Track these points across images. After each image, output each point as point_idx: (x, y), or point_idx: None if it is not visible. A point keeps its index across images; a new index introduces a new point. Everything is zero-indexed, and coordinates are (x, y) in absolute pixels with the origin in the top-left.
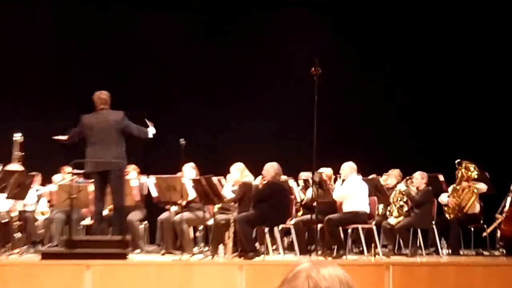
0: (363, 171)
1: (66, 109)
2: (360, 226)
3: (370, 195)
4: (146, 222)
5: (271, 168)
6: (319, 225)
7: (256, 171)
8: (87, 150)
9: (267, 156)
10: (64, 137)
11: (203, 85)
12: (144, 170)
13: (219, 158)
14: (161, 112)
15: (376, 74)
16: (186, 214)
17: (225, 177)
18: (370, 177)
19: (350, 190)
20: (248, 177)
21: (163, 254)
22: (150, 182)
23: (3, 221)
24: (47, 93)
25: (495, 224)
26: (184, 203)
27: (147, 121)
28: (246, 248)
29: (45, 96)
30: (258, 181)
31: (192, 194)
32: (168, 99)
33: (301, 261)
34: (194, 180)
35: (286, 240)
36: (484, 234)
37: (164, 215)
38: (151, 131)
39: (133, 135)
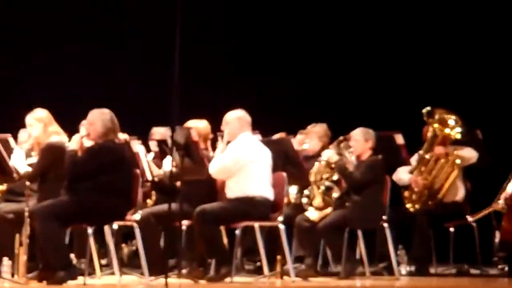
0: (264, 126)
1: None
2: (256, 224)
3: (275, 169)
4: None
5: (99, 119)
6: (186, 223)
7: (72, 125)
8: None
9: (92, 100)
10: None
11: None
12: None
13: (3, 100)
14: None
15: None
16: None
17: (15, 136)
18: (276, 136)
19: (239, 159)
20: (58, 135)
21: None
22: None
23: None
24: None
25: (485, 211)
26: None
27: None
28: (52, 263)
29: None
30: (75, 143)
31: None
32: None
33: None
34: None
35: (126, 248)
36: (471, 219)
37: None
38: None
39: None
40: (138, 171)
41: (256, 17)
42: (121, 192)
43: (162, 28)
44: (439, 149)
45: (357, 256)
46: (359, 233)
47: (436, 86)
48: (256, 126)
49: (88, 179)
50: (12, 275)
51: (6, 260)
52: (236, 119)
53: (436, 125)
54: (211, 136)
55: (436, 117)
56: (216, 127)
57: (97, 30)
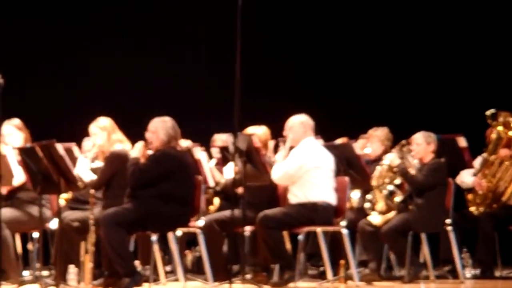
0: (325, 131)
1: None
2: (319, 229)
3: (337, 174)
4: None
5: (161, 127)
6: (248, 228)
7: (135, 132)
8: None
9: (156, 108)
10: None
11: None
12: None
13: (68, 109)
14: None
15: None
16: (9, 212)
17: (79, 145)
18: (338, 141)
19: (303, 165)
20: (121, 143)
21: None
22: None
23: None
24: None
25: None
26: (4, 191)
27: None
28: (117, 270)
29: None
30: (138, 151)
31: (18, 176)
32: None
33: None
34: (23, 150)
35: (190, 255)
36: None
37: None
38: None
39: None
40: (200, 177)
41: (317, 22)
42: (184, 199)
43: (224, 35)
44: (504, 152)
45: (421, 260)
46: (423, 236)
47: (499, 88)
48: (319, 131)
49: (151, 186)
50: (78, 283)
51: (72, 268)
52: (299, 124)
53: (500, 128)
54: (272, 142)
55: (500, 119)
56: (276, 133)
57: (158, 37)
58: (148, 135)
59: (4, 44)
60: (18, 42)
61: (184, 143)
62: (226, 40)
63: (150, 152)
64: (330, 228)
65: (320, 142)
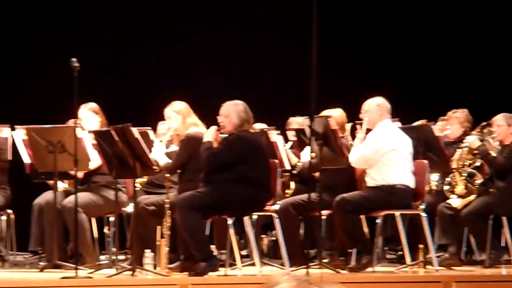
0: (402, 114)
1: None
2: (398, 213)
3: (416, 157)
4: (10, 211)
5: (234, 111)
6: (325, 212)
7: (209, 116)
8: None
9: (229, 91)
10: None
11: None
12: (6, 117)
13: (143, 94)
14: None
15: None
16: (85, 196)
17: (154, 129)
18: (416, 123)
19: (380, 148)
20: (196, 126)
21: (43, 269)
22: (17, 137)
23: None
24: None
25: None
26: (80, 175)
27: None
28: (193, 254)
29: None
30: (211, 134)
31: (95, 160)
32: None
33: (281, 278)
34: (99, 134)
35: (266, 239)
36: None
37: (44, 198)
38: None
39: None
40: (276, 161)
41: (394, 3)
42: (259, 183)
43: (300, 17)
44: None
45: (502, 244)
46: (504, 220)
47: None
48: (396, 113)
49: (226, 170)
50: (154, 267)
51: (148, 252)
52: (375, 106)
53: None
54: (349, 125)
55: None
56: (354, 116)
57: (234, 20)
58: (220, 119)
59: (77, 29)
60: (93, 27)
61: (259, 126)
62: (302, 22)
63: (223, 136)
64: (408, 212)
65: (397, 125)
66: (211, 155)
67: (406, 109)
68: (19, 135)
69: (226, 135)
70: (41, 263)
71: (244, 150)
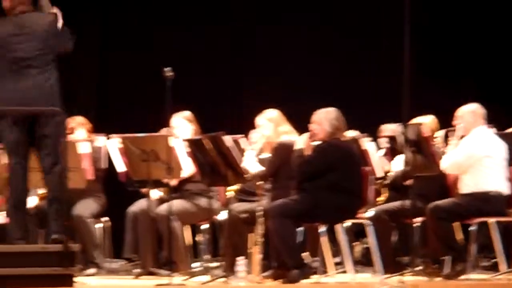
0: (498, 120)
1: None
2: (492, 220)
3: (511, 163)
4: (106, 218)
5: (325, 119)
6: (418, 219)
7: (300, 124)
8: None
9: (321, 99)
10: None
11: None
12: (101, 126)
13: (235, 103)
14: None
15: None
16: (178, 204)
17: (246, 136)
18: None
19: (473, 154)
20: (288, 134)
21: (137, 276)
22: (112, 146)
23: None
24: None
25: None
26: (174, 183)
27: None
28: (286, 262)
29: None
30: (303, 142)
31: (188, 168)
32: None
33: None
34: (192, 142)
35: (358, 246)
36: None
37: (138, 206)
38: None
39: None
40: (368, 168)
41: (486, 10)
42: (351, 190)
43: (392, 23)
44: None
45: None
46: None
47: None
48: (491, 119)
49: (318, 178)
50: (247, 274)
51: (241, 260)
52: (469, 113)
53: None
54: (441, 132)
55: None
56: (446, 122)
57: (323, 27)
58: (312, 126)
59: (170, 38)
60: (186, 36)
61: (351, 133)
62: (394, 28)
63: (315, 143)
64: (503, 219)
65: (492, 131)
66: (303, 163)
67: (500, 115)
68: (114, 144)
69: (318, 143)
70: (136, 270)
71: (337, 158)
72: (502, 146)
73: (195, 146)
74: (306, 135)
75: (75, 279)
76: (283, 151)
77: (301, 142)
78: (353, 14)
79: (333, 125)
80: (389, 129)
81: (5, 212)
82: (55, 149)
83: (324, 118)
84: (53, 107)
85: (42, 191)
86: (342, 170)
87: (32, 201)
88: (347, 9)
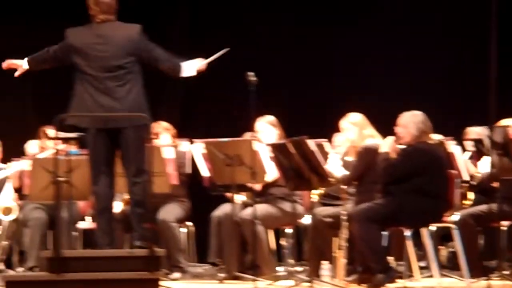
0: None
1: (38, 19)
2: None
3: None
4: (190, 223)
5: (412, 122)
6: (505, 223)
7: (384, 127)
8: (78, 92)
9: (404, 102)
10: (21, 63)
11: None
12: (184, 131)
13: (318, 107)
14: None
15: None
16: (263, 208)
17: (330, 140)
18: None
19: None
20: (372, 138)
21: (222, 280)
22: (196, 151)
23: None
24: None
25: None
26: (258, 187)
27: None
28: (371, 266)
29: None
30: (388, 145)
31: (272, 172)
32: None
33: None
34: (275, 146)
35: (444, 250)
36: None
37: (222, 210)
38: (194, 66)
39: (159, 66)
40: (454, 171)
41: None
42: (437, 194)
43: (478, 25)
44: None
45: None
46: None
47: None
48: None
49: (404, 181)
50: (332, 278)
51: (325, 264)
52: None
53: None
54: None
55: None
56: None
57: (407, 30)
58: (398, 129)
59: (255, 43)
60: (269, 42)
61: (436, 137)
62: (479, 30)
63: (400, 147)
64: None
65: None
66: (389, 166)
67: None
68: (198, 149)
69: (404, 146)
70: (220, 275)
71: (423, 162)
72: None
73: (279, 150)
74: (391, 138)
75: (160, 283)
76: (367, 155)
77: (386, 145)
78: (437, 14)
79: (419, 128)
80: (475, 132)
81: (91, 218)
82: (139, 155)
83: (411, 121)
84: (138, 112)
85: (127, 196)
86: (428, 174)
87: (117, 206)
88: (429, 9)
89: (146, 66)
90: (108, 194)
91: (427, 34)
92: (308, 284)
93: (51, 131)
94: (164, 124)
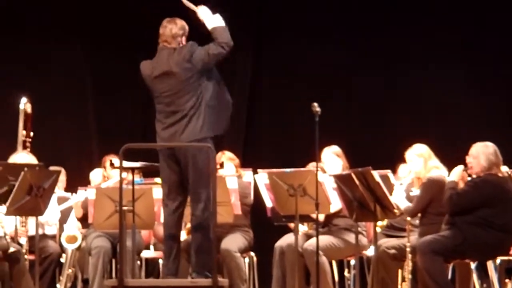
0: None
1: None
2: None
3: None
4: (253, 253)
5: (482, 153)
6: None
7: (451, 158)
8: (157, 121)
9: (474, 131)
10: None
11: None
12: (248, 161)
13: (383, 137)
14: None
15: None
16: (326, 239)
17: (394, 171)
18: None
19: None
20: (438, 169)
21: None
22: (260, 181)
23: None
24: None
25: None
26: (322, 218)
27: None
28: None
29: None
30: (456, 176)
31: (336, 203)
32: None
33: None
34: (339, 177)
35: (509, 284)
36: None
37: (285, 241)
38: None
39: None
40: None
41: None
42: (504, 227)
43: None
44: None
45: None
46: None
47: None
48: None
49: (469, 212)
50: None
51: None
52: None
53: None
54: None
55: None
56: None
57: (473, 59)
58: (468, 159)
59: (319, 74)
60: (333, 73)
61: (504, 168)
62: None
63: (469, 177)
64: None
65: None
66: (454, 195)
67: None
68: (262, 179)
69: (473, 177)
70: None
71: (490, 194)
72: None
73: (343, 181)
74: (460, 168)
75: None
76: (432, 186)
77: (455, 174)
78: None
79: (490, 160)
80: None
81: (153, 246)
82: (202, 184)
83: (482, 152)
84: (202, 142)
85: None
86: (495, 206)
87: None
88: (499, 35)
89: None
90: (174, 222)
91: (499, 59)
92: None
93: (115, 160)
94: (228, 154)
